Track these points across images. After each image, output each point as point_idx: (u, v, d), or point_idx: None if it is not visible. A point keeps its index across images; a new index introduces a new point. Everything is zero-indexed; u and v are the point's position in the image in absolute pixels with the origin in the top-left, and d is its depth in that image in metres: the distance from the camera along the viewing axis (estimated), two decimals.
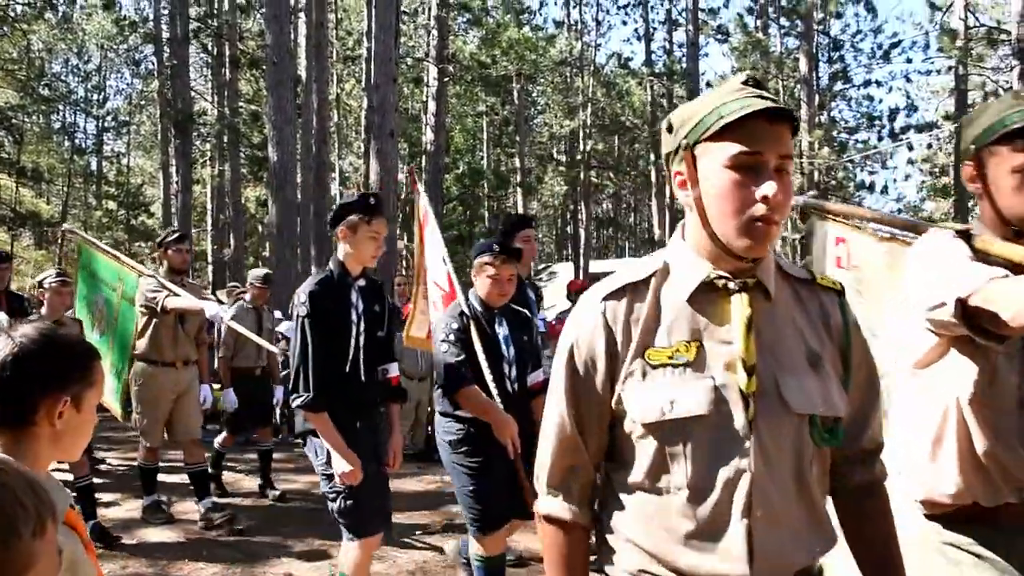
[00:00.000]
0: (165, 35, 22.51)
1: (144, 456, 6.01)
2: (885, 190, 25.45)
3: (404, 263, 29.90)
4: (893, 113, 24.16)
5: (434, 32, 21.65)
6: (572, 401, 1.54)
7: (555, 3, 43.22)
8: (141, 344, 5.90)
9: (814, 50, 23.43)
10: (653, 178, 29.38)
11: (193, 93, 23.31)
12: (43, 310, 5.71)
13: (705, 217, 1.45)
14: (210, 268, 26.15)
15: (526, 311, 4.31)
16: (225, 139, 22.99)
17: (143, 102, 33.88)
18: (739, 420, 1.42)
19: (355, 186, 29.07)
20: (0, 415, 1.52)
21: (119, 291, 6.37)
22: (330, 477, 3.53)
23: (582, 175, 30.15)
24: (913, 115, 24.89)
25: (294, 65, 16.87)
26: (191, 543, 5.50)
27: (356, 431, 3.56)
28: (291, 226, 14.01)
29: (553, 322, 8.08)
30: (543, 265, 35.55)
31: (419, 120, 26.99)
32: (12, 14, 24.88)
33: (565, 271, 29.84)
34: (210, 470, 6.69)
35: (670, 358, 1.46)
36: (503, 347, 3.94)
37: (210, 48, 24.27)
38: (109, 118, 35.84)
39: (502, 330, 3.96)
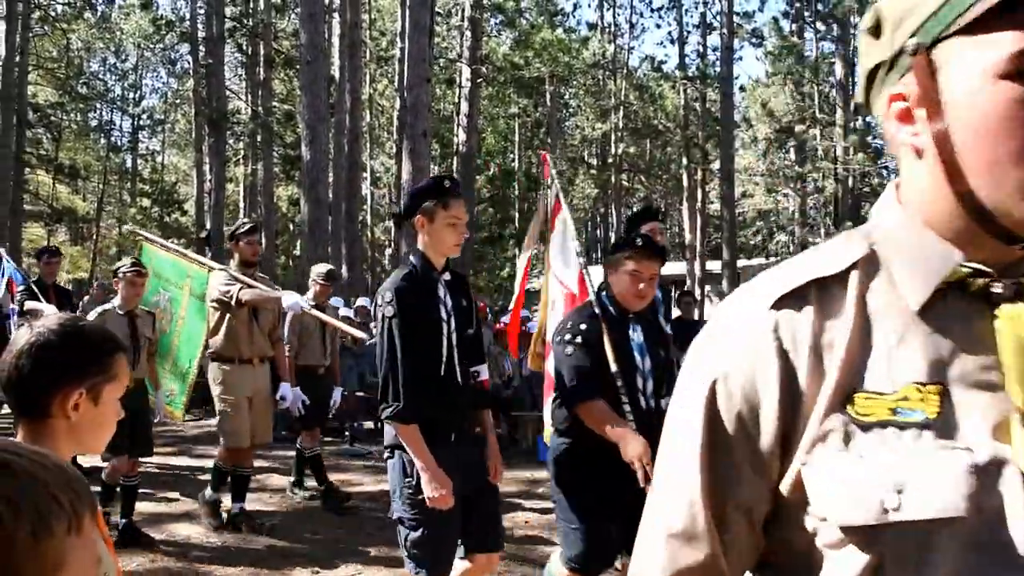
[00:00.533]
0: (201, 34, 22.73)
1: (224, 457, 5.74)
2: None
3: None
4: None
5: (467, 33, 21.66)
6: (709, 477, 0.93)
7: (589, 5, 43.13)
8: (216, 342, 5.65)
9: (850, 54, 23.16)
10: (685, 182, 29.20)
11: (227, 92, 23.47)
12: (116, 300, 5.46)
13: (955, 167, 0.83)
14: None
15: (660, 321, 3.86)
16: (258, 138, 23.16)
17: (178, 100, 34.22)
18: (1021, 527, 0.80)
19: (386, 187, 29.18)
20: (19, 406, 1.52)
21: (187, 288, 6.22)
22: (414, 503, 3.03)
23: (613, 178, 30.02)
24: None
25: (328, 65, 16.95)
26: (220, 541, 5.49)
27: (452, 445, 3.11)
28: (322, 225, 14.05)
29: None
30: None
31: (451, 121, 27.00)
32: (52, 13, 25.24)
33: (596, 275, 29.71)
34: (303, 475, 6.84)
35: (893, 412, 0.84)
36: (637, 357, 3.39)
37: (244, 47, 24.47)
38: (144, 116, 36.28)
39: (636, 337, 3.42)
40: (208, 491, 5.89)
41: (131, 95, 36.39)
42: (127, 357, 4.78)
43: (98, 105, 34.66)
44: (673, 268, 33.20)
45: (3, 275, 7.44)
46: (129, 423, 4.78)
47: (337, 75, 19.64)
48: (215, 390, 5.65)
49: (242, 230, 5.84)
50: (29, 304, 6.86)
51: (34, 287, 7.24)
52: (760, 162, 28.01)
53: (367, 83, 26.65)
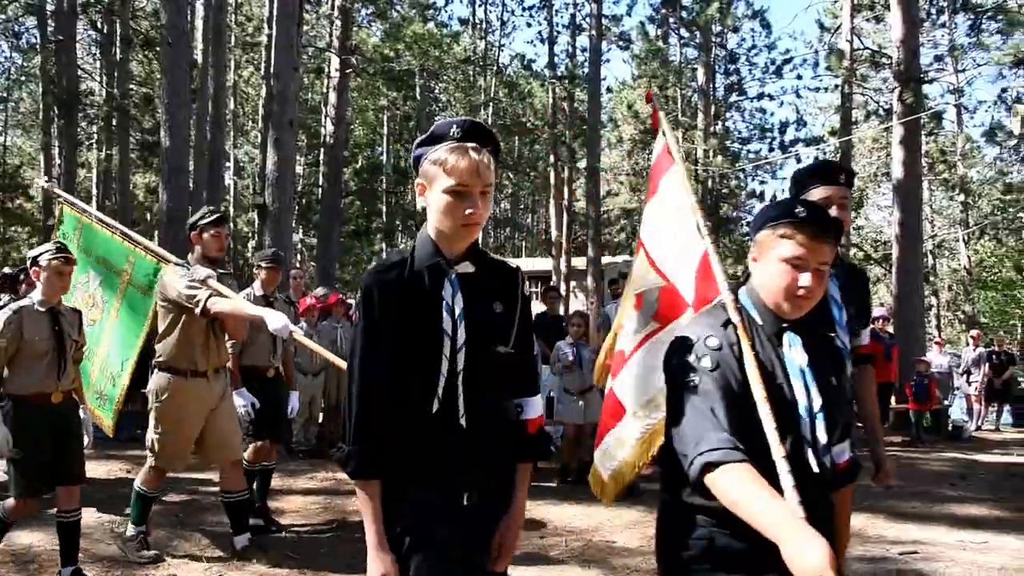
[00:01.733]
0: (50, 7, 21.42)
1: (147, 480, 4.99)
2: (774, 199, 26.32)
3: (299, 256, 29.33)
4: (784, 126, 25.11)
5: (337, 22, 21.31)
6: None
7: (460, 1, 43.14)
8: (164, 348, 4.85)
9: (711, 62, 24.10)
10: (552, 180, 29.64)
11: (80, 72, 22.24)
12: (35, 294, 4.47)
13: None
14: None
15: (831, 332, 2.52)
16: (114, 121, 22.06)
17: (23, 78, 32.15)
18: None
19: (250, 177, 28.37)
20: None
21: (125, 275, 5.38)
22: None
23: None
24: (802, 129, 25.91)
25: (190, 48, 16.31)
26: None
27: (461, 512, 2.16)
28: (182, 215, 13.52)
29: None
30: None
31: (319, 112, 26.51)
32: None
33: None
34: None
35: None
36: (799, 389, 2.13)
37: (99, 25, 23.25)
38: None
39: (796, 357, 2.16)
40: (130, 527, 5.08)
41: None
42: (50, 363, 4.10)
43: None
44: (539, 264, 33.73)
45: None
46: (55, 450, 4.35)
47: (200, 59, 18.92)
48: (154, 402, 4.89)
49: (206, 219, 4.97)
50: None
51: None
52: (625, 162, 28.78)
53: (232, 69, 25.82)
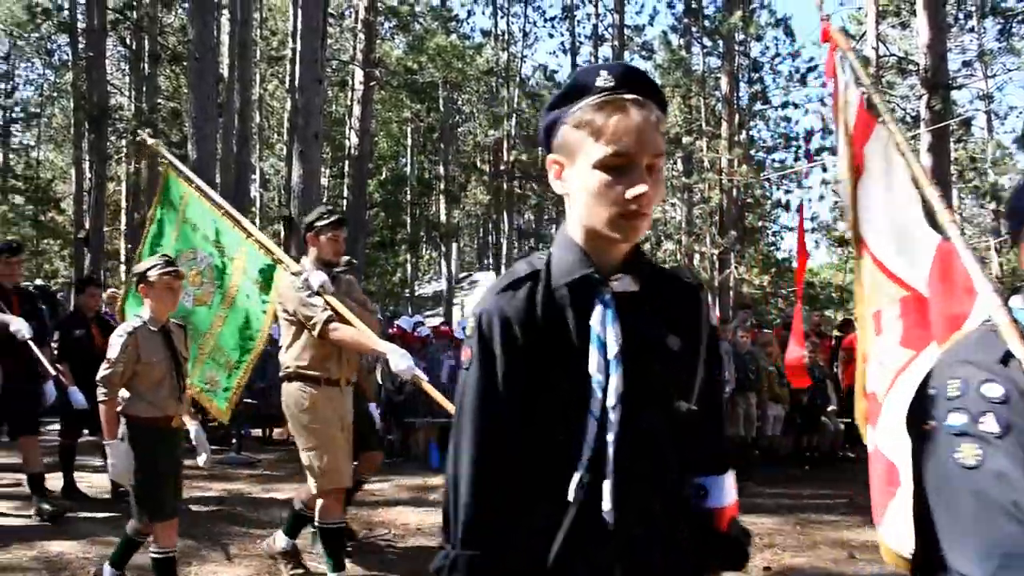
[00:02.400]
0: (81, 25, 21.74)
1: (325, 509, 4.48)
2: (800, 208, 26.09)
3: None
4: (809, 135, 24.92)
5: (361, 36, 21.45)
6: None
7: (483, 13, 43.30)
8: (292, 356, 4.50)
9: (735, 71, 23.99)
10: None
11: (110, 87, 22.55)
12: (145, 312, 4.20)
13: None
14: (123, 268, 25.31)
15: None
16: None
17: (55, 94, 32.66)
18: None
19: (276, 189, 28.57)
20: None
21: (239, 263, 5.04)
22: None
23: (505, 185, 30.21)
24: (828, 137, 25.66)
25: (216, 62, 16.48)
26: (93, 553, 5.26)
27: None
28: None
29: None
30: (464, 273, 35.55)
31: (343, 124, 26.66)
32: None
33: (486, 280, 29.83)
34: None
35: None
36: None
37: (128, 41, 23.55)
38: (18, 109, 34.41)
39: None
40: (279, 540, 4.92)
41: (2, 86, 34.45)
42: (170, 385, 4.14)
43: None
44: None
45: None
46: (172, 476, 4.21)
47: (226, 74, 19.10)
48: (300, 419, 4.46)
49: (324, 221, 4.59)
50: None
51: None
52: None
53: (257, 83, 26.06)
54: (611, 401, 1.41)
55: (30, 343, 5.89)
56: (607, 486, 1.42)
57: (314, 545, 5.07)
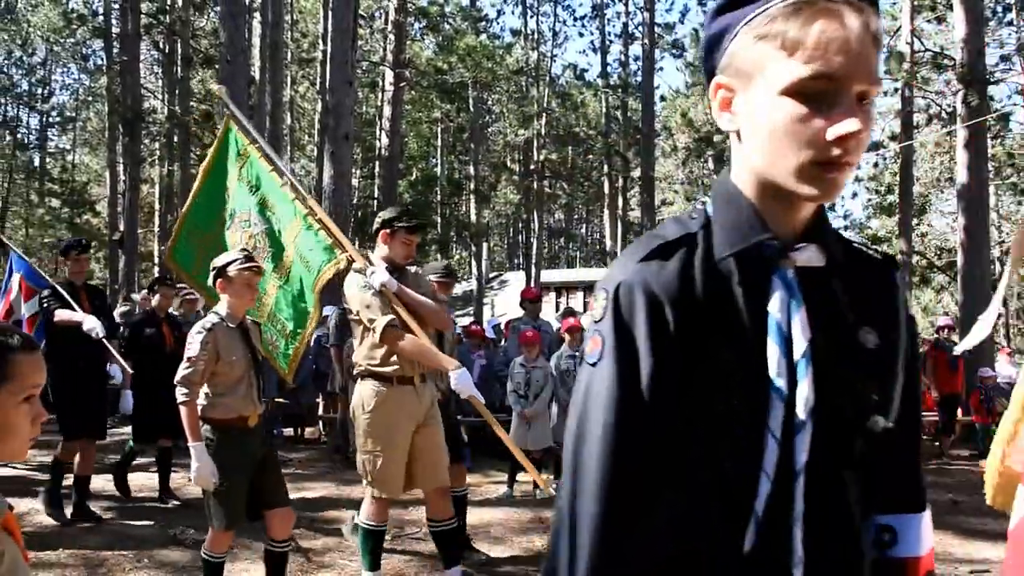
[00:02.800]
0: (115, 30, 22.06)
1: (371, 512, 4.35)
2: (833, 207, 25.85)
3: None
4: None
5: (391, 36, 21.53)
6: None
7: (512, 13, 43.35)
8: (362, 354, 4.31)
9: None
10: (606, 189, 29.55)
11: (143, 90, 22.85)
12: (222, 308, 4.02)
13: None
14: (156, 269, 25.63)
15: None
16: (175, 138, 22.58)
17: (90, 98, 33.17)
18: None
19: (308, 190, 28.77)
20: None
21: (292, 237, 4.75)
22: None
23: (535, 184, 30.19)
24: None
25: (248, 65, 16.63)
26: (130, 549, 5.32)
27: None
28: None
29: (525, 330, 8.04)
30: (494, 273, 35.59)
31: (373, 125, 26.80)
32: None
33: (516, 280, 29.86)
34: None
35: None
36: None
37: (161, 45, 23.86)
38: (54, 113, 35.02)
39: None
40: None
41: (39, 91, 35.05)
42: (248, 384, 3.99)
43: (3, 100, 33.28)
44: (594, 274, 33.56)
45: (11, 274, 6.48)
46: (258, 476, 4.01)
47: (257, 76, 19.28)
48: (362, 420, 4.26)
49: (404, 223, 4.38)
50: (62, 314, 5.86)
51: (61, 290, 6.00)
52: (679, 170, 28.56)
53: (288, 84, 26.26)
54: (800, 416, 1.04)
55: (104, 341, 5.84)
56: (797, 533, 1.04)
57: (352, 536, 5.06)
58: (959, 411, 11.50)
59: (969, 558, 5.54)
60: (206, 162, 5.33)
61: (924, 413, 11.40)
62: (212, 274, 4.02)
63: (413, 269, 4.59)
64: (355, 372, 4.40)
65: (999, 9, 23.67)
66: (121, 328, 7.55)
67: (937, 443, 11.38)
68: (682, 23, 42.48)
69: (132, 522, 6.09)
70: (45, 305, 5.97)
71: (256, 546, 5.57)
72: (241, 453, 3.94)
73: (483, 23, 28.76)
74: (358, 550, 4.59)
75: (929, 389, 11.35)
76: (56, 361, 5.67)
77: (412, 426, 4.25)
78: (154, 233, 27.15)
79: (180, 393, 3.84)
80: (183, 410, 3.84)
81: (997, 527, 6.60)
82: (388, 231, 4.38)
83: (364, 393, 4.26)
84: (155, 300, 7.29)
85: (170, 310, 7.57)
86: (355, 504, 7.10)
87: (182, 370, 3.85)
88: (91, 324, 5.72)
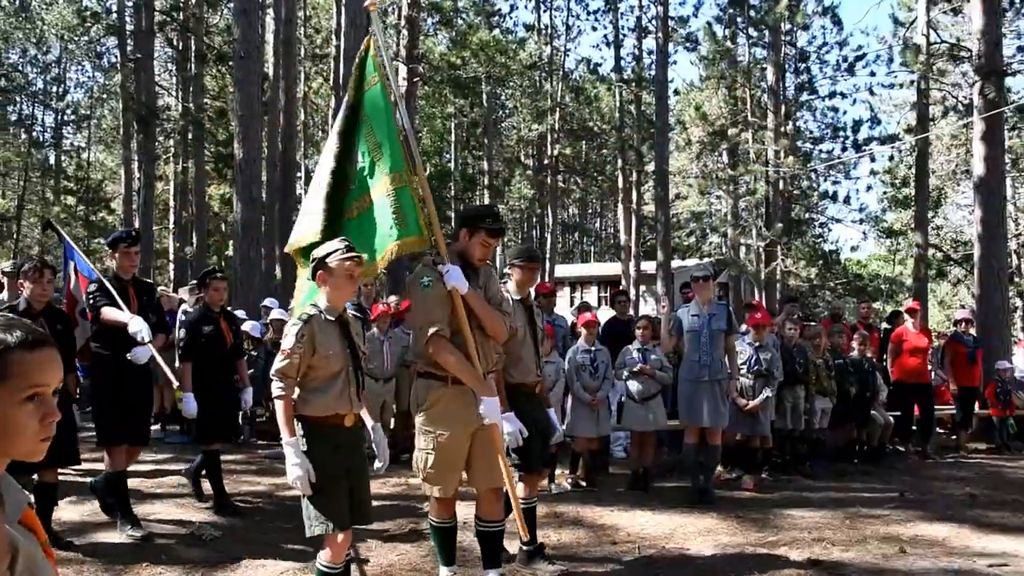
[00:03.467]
0: (129, 27, 22.16)
1: (434, 509, 4.38)
2: (848, 200, 25.69)
3: None
4: (857, 125, 24.46)
5: (404, 32, 21.54)
6: None
7: (526, 7, 43.20)
8: (418, 352, 4.31)
9: (781, 61, 23.66)
10: (620, 184, 29.48)
11: (157, 88, 22.95)
12: (321, 301, 3.82)
13: None
14: (171, 266, 25.76)
15: None
16: (190, 135, 22.68)
17: (105, 95, 33.35)
18: None
19: None
20: None
21: (389, 187, 4.30)
22: None
23: (549, 179, 30.16)
24: (876, 127, 25.21)
25: (261, 61, 16.67)
26: (148, 546, 5.35)
27: None
28: (256, 225, 13.82)
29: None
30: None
31: None
32: None
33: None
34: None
35: None
36: None
37: (175, 42, 23.96)
38: (69, 111, 35.22)
39: None
40: (442, 570, 4.56)
41: (54, 89, 35.25)
42: (345, 381, 3.79)
43: (18, 98, 33.49)
44: (609, 268, 33.51)
45: (67, 262, 6.22)
46: (352, 480, 3.78)
47: (271, 72, 19.32)
48: (417, 417, 4.26)
49: (488, 225, 4.30)
50: (107, 312, 5.40)
51: (108, 285, 5.52)
52: (694, 164, 28.43)
53: (302, 81, 26.31)
54: None
55: (150, 346, 5.40)
56: None
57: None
58: (976, 404, 11.43)
59: (988, 551, 5.50)
60: (347, 97, 4.75)
61: (941, 406, 11.39)
62: (311, 265, 3.81)
63: (485, 268, 4.50)
64: (416, 368, 4.33)
65: (1017, 0, 23.42)
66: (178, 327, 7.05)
67: (954, 437, 11.31)
68: (696, 16, 42.37)
69: (154, 520, 6.10)
70: (91, 301, 5.52)
71: (279, 544, 5.60)
72: (334, 452, 3.70)
73: (496, 18, 28.75)
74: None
75: (947, 382, 11.28)
76: (100, 359, 5.58)
77: (468, 426, 4.17)
78: (169, 230, 27.29)
79: (275, 387, 3.66)
80: (278, 404, 3.67)
81: (1015, 520, 6.56)
82: (468, 229, 4.30)
83: (419, 391, 4.25)
84: (208, 295, 6.61)
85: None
86: (373, 496, 7.13)
87: (277, 362, 3.68)
88: (137, 327, 5.26)
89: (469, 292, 4.17)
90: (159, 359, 5.53)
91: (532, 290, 5.29)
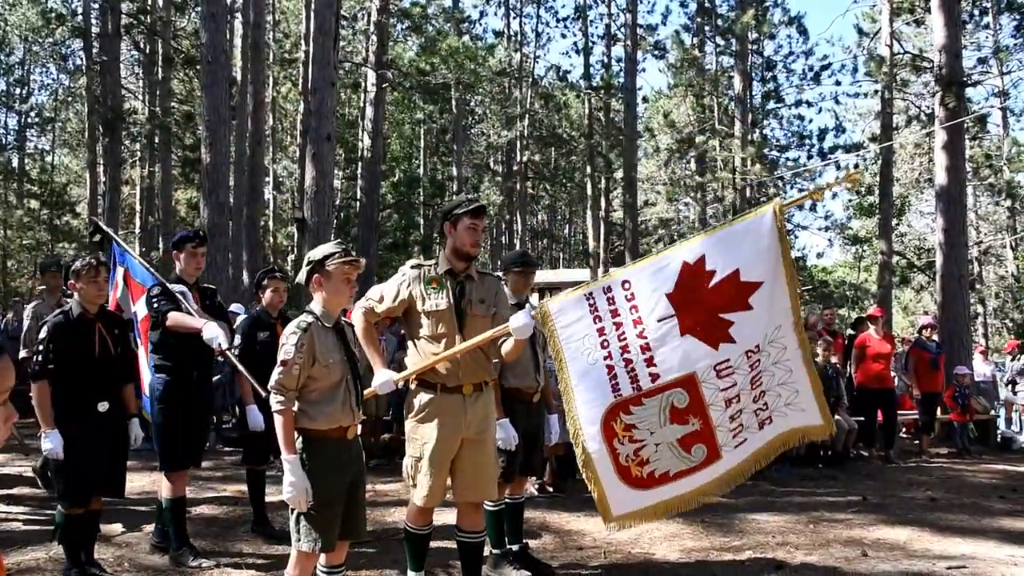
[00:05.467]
0: (95, 30, 21.90)
1: (410, 515, 4.30)
2: (813, 207, 26.02)
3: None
4: (822, 133, 24.81)
5: (373, 37, 21.50)
6: None
7: (495, 14, 43.33)
8: (409, 358, 4.27)
9: (748, 69, 23.92)
10: (589, 190, 29.60)
11: (123, 91, 22.69)
12: (316, 307, 3.67)
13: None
14: None
15: None
16: (156, 139, 22.46)
17: (70, 98, 32.90)
18: None
19: (289, 191, 28.67)
20: None
21: None
22: None
23: (518, 185, 30.22)
24: (841, 136, 25.71)
25: (229, 65, 16.56)
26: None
27: None
28: (223, 230, 13.72)
29: None
30: (504, 273, 35.57)
31: (356, 126, 26.75)
32: None
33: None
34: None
35: None
36: None
37: (142, 45, 23.72)
38: (32, 114, 34.66)
39: None
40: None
41: (17, 91, 34.70)
42: (346, 390, 3.63)
43: None
44: (578, 274, 33.60)
45: (115, 267, 5.60)
46: (349, 497, 3.67)
47: (239, 76, 19.20)
48: (408, 423, 4.23)
49: (463, 208, 4.28)
50: (177, 318, 4.91)
51: (172, 288, 5.08)
52: (662, 171, 28.66)
53: (270, 85, 26.16)
54: None
55: (229, 354, 4.97)
56: None
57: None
58: (938, 410, 11.61)
59: (947, 554, 5.60)
60: None
61: (904, 412, 11.56)
62: (307, 269, 3.66)
63: (493, 276, 4.52)
64: (414, 378, 4.26)
65: (976, 13, 23.89)
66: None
67: (916, 441, 11.48)
68: (664, 25, 42.75)
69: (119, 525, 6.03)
70: (156, 306, 5.00)
71: (243, 551, 5.55)
72: (337, 468, 3.59)
73: (466, 24, 28.78)
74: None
75: (910, 388, 11.46)
76: (166, 373, 5.11)
77: (457, 436, 4.13)
78: (135, 234, 26.98)
79: (275, 400, 3.50)
80: (278, 419, 3.49)
81: (974, 523, 6.68)
82: (450, 222, 4.26)
83: (411, 398, 4.21)
84: (265, 297, 6.03)
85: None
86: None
87: (276, 374, 3.51)
88: (212, 332, 4.74)
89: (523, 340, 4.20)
90: (241, 367, 5.05)
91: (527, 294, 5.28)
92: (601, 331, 4.04)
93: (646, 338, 3.98)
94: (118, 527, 5.94)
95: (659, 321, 3.97)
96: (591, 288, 4.14)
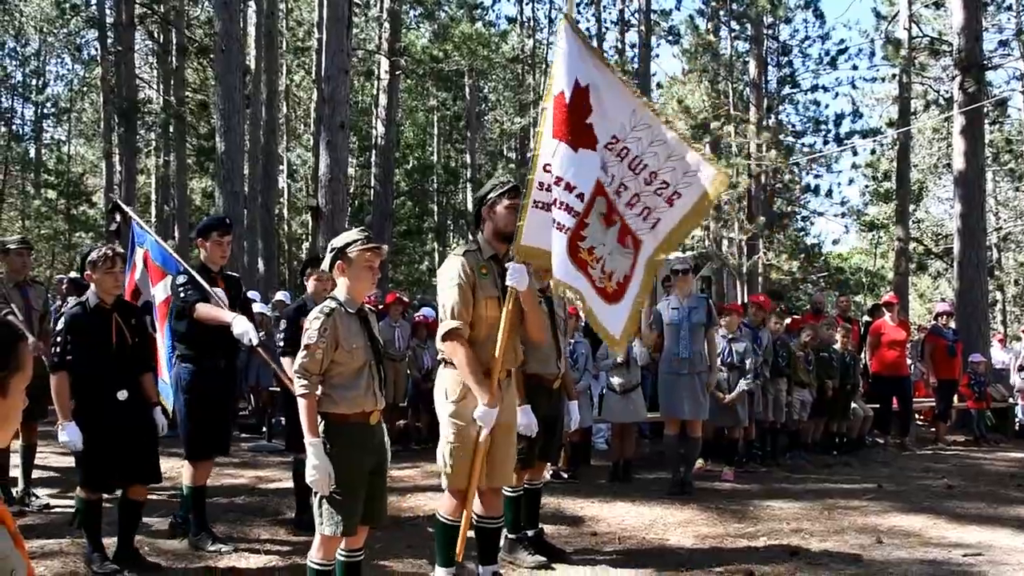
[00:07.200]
0: (109, 20, 21.94)
1: (445, 506, 4.26)
2: (830, 193, 25.71)
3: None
4: (839, 118, 24.51)
5: (386, 25, 21.47)
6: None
7: (508, 0, 43.36)
8: (440, 343, 4.24)
9: (763, 54, 23.72)
10: None
11: (138, 81, 22.76)
12: (339, 293, 3.71)
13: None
14: None
15: None
16: (171, 128, 22.52)
17: (85, 88, 33.00)
18: None
19: (303, 179, 28.71)
20: None
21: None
22: None
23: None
24: (858, 121, 25.30)
25: (243, 54, 16.58)
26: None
27: None
28: (238, 218, 13.75)
29: None
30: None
31: (369, 113, 26.72)
32: None
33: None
34: None
35: None
36: None
37: (156, 35, 23.75)
38: (49, 104, 34.82)
39: None
40: (438, 570, 4.35)
41: (34, 82, 34.86)
42: (369, 375, 3.70)
43: None
44: None
45: (134, 248, 5.54)
46: (371, 483, 3.70)
47: (253, 65, 19.21)
48: (446, 407, 4.15)
49: (500, 190, 4.36)
50: (205, 309, 4.89)
51: (198, 277, 5.03)
52: None
53: (284, 74, 26.18)
54: None
55: (260, 350, 5.00)
56: None
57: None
58: (955, 397, 11.54)
59: (963, 542, 5.57)
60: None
61: (920, 399, 11.49)
62: (330, 256, 3.71)
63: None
64: (439, 357, 4.27)
65: None
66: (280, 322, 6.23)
67: (933, 429, 11.42)
68: (678, 9, 42.46)
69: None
70: (183, 295, 4.96)
71: (259, 537, 5.59)
72: (360, 452, 3.62)
73: (478, 11, 28.62)
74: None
75: (926, 375, 11.39)
76: (191, 363, 5.12)
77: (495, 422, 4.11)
78: (151, 223, 27.10)
79: (299, 384, 3.53)
80: (301, 403, 3.52)
81: (991, 511, 6.64)
82: (487, 206, 4.31)
83: (447, 381, 4.16)
84: (310, 286, 5.93)
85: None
86: None
87: (299, 358, 3.54)
88: (243, 327, 4.75)
89: (527, 291, 4.17)
90: (272, 362, 5.08)
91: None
92: (547, 207, 4.25)
93: (561, 176, 4.17)
94: None
95: (557, 155, 4.20)
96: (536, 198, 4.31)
